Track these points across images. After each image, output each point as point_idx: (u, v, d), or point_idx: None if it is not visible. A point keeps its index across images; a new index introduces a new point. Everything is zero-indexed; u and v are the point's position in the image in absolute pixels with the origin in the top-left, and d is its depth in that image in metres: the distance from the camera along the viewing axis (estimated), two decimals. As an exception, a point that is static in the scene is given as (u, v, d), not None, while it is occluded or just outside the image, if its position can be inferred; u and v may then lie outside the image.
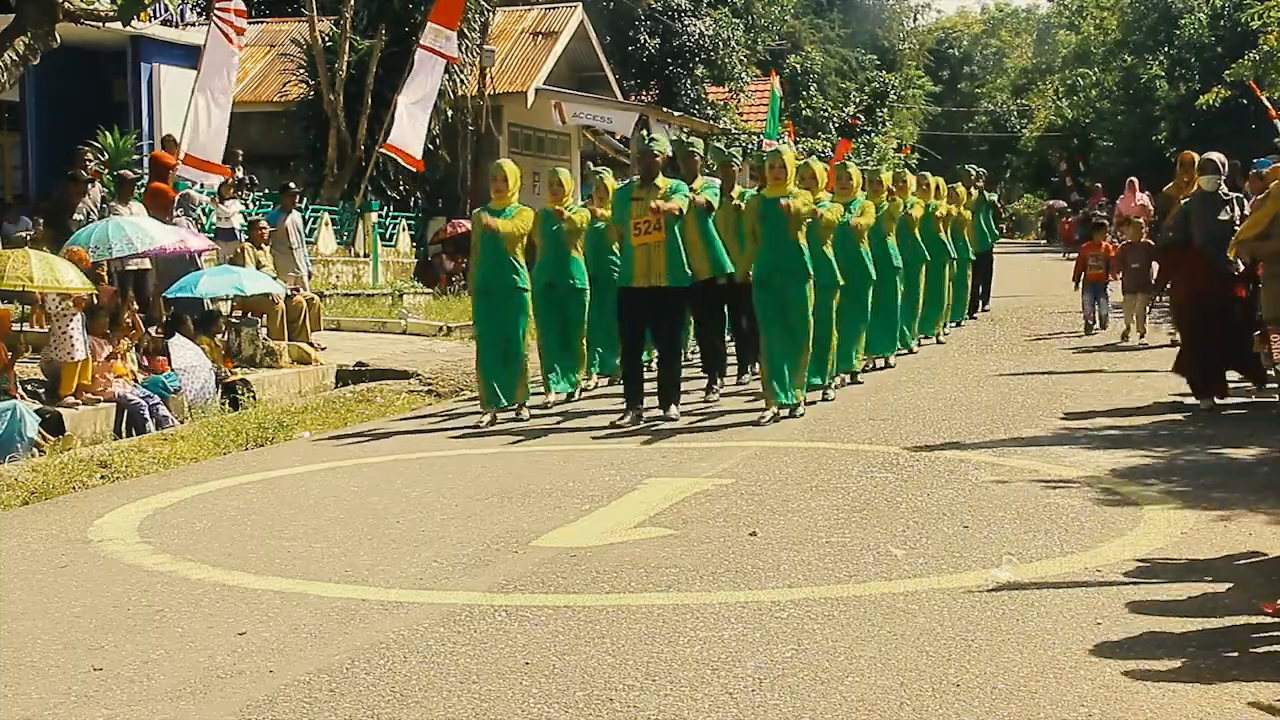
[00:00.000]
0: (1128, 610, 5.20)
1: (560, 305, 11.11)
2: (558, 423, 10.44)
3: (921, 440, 9.13)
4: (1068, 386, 11.66)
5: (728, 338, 12.45)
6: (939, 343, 15.28)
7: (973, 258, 17.38)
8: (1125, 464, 8.18)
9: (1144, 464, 8.21)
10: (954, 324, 16.92)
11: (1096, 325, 16.18)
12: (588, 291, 11.21)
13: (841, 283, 10.76)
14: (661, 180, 10.16)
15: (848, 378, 11.85)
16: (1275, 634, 4.83)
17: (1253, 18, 27.05)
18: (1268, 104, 26.07)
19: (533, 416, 10.54)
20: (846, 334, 11.33)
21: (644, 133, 11.08)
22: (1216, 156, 10.37)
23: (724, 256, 11.02)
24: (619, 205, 10.38)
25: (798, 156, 11.07)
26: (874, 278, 11.81)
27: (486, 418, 10.31)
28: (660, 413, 10.14)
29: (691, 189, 10.54)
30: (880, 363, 13.08)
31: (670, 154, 10.60)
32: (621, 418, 10.10)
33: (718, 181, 11.74)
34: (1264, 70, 26.90)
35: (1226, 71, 29.72)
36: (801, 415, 10.04)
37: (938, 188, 15.48)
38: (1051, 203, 49.49)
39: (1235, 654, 4.66)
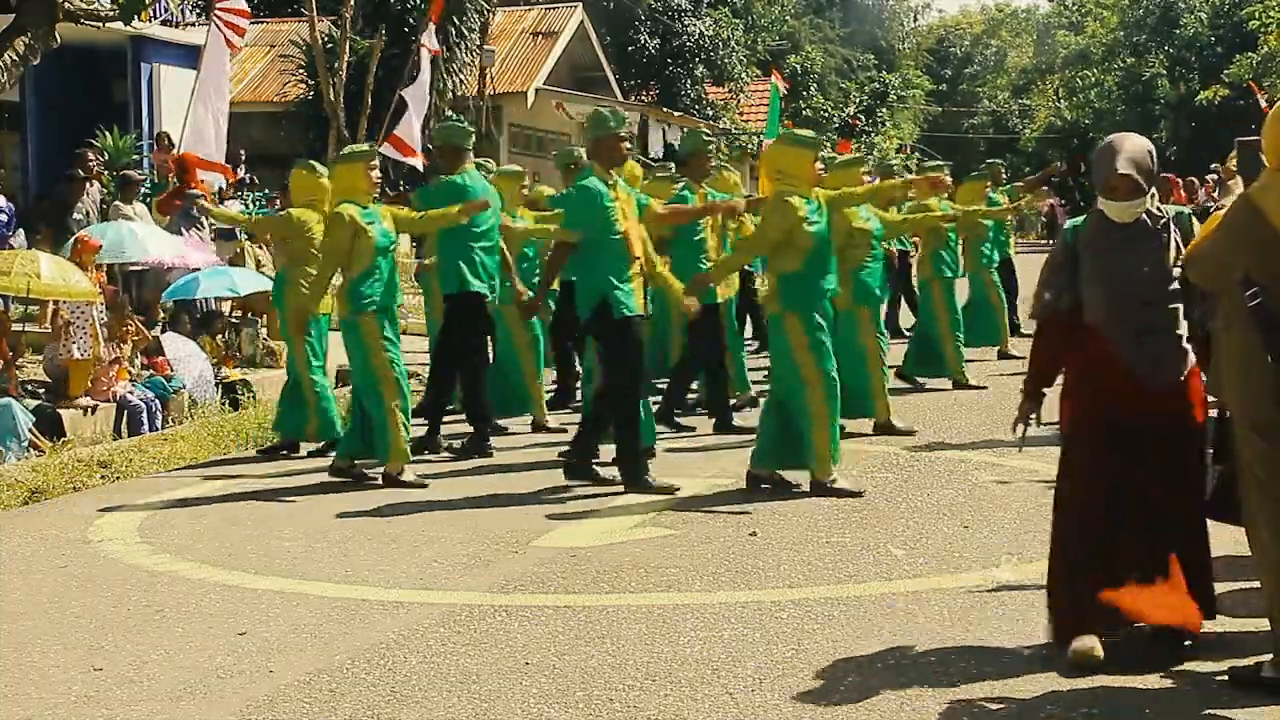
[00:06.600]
0: (1128, 610, 5.20)
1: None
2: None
3: (921, 440, 9.14)
4: (1068, 386, 11.63)
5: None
6: None
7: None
8: (1125, 464, 8.17)
9: (1144, 464, 8.20)
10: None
11: None
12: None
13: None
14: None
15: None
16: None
17: (1253, 16, 27.06)
18: (1264, 104, 26.06)
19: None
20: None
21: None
22: (1129, 150, 4.71)
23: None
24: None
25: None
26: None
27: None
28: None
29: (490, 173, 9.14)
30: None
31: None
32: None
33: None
34: (1264, 70, 26.92)
35: (1226, 72, 29.74)
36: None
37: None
38: (1052, 200, 49.43)
39: (1236, 654, 4.66)
